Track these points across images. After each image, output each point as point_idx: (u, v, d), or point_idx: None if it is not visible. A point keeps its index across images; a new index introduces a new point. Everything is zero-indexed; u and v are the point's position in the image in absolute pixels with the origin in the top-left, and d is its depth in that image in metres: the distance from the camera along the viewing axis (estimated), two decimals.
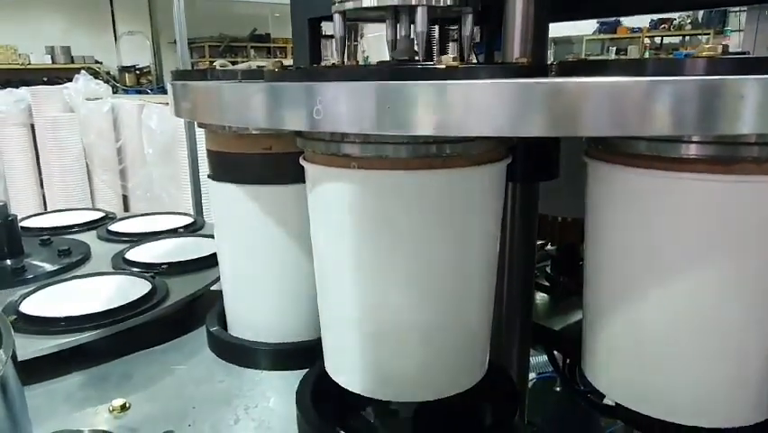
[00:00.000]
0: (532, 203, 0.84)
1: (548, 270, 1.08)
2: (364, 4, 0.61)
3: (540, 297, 1.03)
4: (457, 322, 0.62)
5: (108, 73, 6.97)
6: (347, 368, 0.64)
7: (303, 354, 0.80)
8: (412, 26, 0.62)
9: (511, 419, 0.68)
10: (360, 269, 0.59)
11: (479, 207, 0.59)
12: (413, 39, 0.62)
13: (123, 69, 7.48)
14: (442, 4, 0.59)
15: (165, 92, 6.18)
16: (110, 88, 4.14)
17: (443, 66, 0.47)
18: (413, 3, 0.59)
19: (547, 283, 1.04)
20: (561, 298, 1.02)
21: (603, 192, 0.60)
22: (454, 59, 0.48)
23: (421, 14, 0.59)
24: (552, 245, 1.11)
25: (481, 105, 0.44)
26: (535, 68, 0.55)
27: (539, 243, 1.09)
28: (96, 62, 7.68)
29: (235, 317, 0.87)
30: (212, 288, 1.04)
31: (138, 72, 7.65)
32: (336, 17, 0.64)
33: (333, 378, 0.65)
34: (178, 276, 1.03)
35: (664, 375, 0.59)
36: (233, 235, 0.82)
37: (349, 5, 0.61)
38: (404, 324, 0.60)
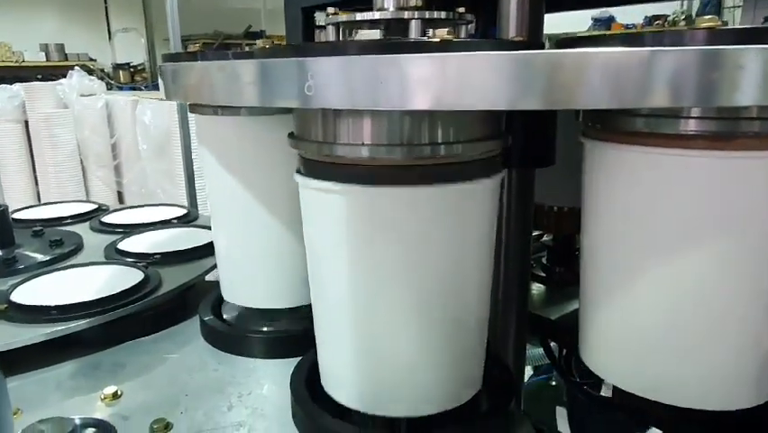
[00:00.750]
0: (528, 189, 0.83)
1: (544, 260, 1.07)
2: (357, 19, 0.61)
3: (536, 288, 1.02)
4: (453, 340, 0.60)
5: (102, 70, 6.91)
6: (345, 385, 0.63)
7: (296, 343, 0.79)
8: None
9: (507, 405, 0.67)
10: (355, 288, 0.57)
11: (473, 222, 0.57)
12: (405, 19, 0.61)
13: (118, 67, 7.42)
14: (435, 17, 0.58)
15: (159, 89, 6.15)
16: (104, 84, 4.12)
17: (438, 39, 0.46)
18: (406, 17, 0.58)
19: (543, 274, 1.04)
20: (557, 288, 1.01)
21: (600, 172, 0.59)
22: (449, 32, 0.47)
23: (415, 28, 0.58)
24: (548, 236, 1.10)
25: (478, 78, 0.43)
26: (532, 44, 0.55)
27: (535, 234, 1.08)
28: (91, 60, 7.64)
29: (227, 278, 0.87)
30: (206, 278, 1.03)
31: (132, 69, 7.59)
32: (330, 29, 0.63)
33: (330, 394, 0.64)
34: (172, 266, 1.01)
35: (662, 358, 0.58)
36: (223, 179, 0.79)
37: (342, 18, 0.61)
38: (399, 343, 0.58)
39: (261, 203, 0.78)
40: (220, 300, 0.90)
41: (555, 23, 0.72)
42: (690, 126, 0.50)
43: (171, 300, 0.93)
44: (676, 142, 0.51)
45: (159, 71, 0.68)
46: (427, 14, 0.58)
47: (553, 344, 0.91)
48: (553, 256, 1.06)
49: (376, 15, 0.60)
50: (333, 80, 0.47)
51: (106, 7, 8.17)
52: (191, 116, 2.69)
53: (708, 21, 0.45)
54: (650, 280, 0.57)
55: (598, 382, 0.67)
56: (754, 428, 0.60)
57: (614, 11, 6.17)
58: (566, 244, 1.04)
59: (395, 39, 0.59)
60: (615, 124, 0.55)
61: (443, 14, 0.59)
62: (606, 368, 0.64)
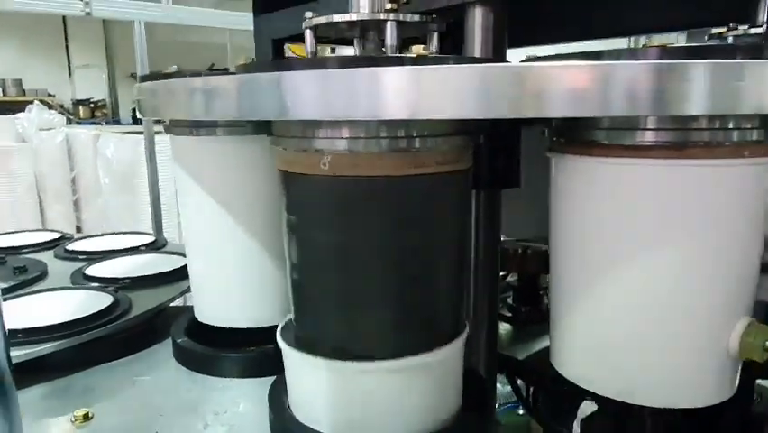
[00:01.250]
0: (495, 210, 0.86)
1: (510, 300, 1.09)
2: (335, 20, 0.63)
3: (503, 327, 1.03)
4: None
5: (62, 106, 6.81)
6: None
7: (272, 362, 0.79)
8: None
9: (483, 409, 0.68)
10: None
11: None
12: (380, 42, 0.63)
13: (78, 103, 7.34)
14: (409, 20, 0.61)
15: (120, 124, 6.09)
16: (64, 118, 4.06)
17: (414, 54, 0.49)
18: (381, 17, 0.60)
19: (509, 314, 1.05)
20: (523, 327, 1.02)
21: (565, 184, 0.62)
22: (424, 48, 0.50)
23: (390, 29, 0.60)
24: (513, 276, 1.12)
25: (452, 88, 0.45)
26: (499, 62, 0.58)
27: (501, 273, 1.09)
28: (49, 95, 7.52)
29: (203, 299, 0.87)
30: (177, 303, 1.02)
31: (93, 105, 7.51)
32: (307, 33, 0.65)
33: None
34: (142, 290, 1.00)
35: (632, 361, 0.60)
36: (200, 199, 0.80)
37: (319, 21, 0.63)
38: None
39: (238, 223, 0.78)
40: (192, 322, 0.89)
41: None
42: (646, 137, 0.53)
43: (142, 324, 0.92)
44: (633, 153, 0.54)
45: (136, 90, 0.69)
46: (401, 17, 0.59)
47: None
48: (518, 296, 1.07)
49: (353, 17, 0.61)
50: (311, 93, 0.49)
51: (66, 44, 8.08)
52: (159, 144, 2.64)
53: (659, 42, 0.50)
54: (615, 286, 0.59)
55: (570, 417, 0.68)
56: (717, 423, 0.63)
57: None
58: (531, 283, 1.06)
59: (373, 54, 0.62)
60: (577, 137, 0.58)
61: (416, 17, 0.61)
62: (579, 375, 0.65)
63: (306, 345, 0.64)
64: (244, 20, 2.91)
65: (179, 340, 0.86)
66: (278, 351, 0.81)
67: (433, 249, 0.61)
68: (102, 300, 0.92)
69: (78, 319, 0.84)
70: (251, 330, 0.84)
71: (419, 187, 0.57)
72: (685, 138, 0.52)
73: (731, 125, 0.52)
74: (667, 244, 0.56)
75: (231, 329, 0.85)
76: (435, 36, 0.62)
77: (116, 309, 0.90)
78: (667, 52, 0.47)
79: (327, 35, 0.66)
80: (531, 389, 0.90)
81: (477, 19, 0.75)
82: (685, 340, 0.59)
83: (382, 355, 0.60)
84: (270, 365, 0.78)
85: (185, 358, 0.85)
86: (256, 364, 0.82)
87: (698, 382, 0.60)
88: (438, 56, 0.52)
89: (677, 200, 0.55)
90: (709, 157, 0.53)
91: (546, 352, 0.70)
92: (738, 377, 0.62)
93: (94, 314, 0.86)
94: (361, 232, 0.58)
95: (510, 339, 0.99)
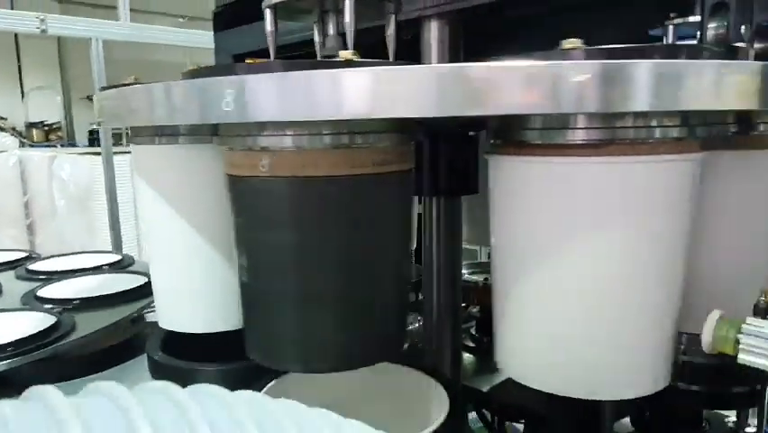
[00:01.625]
0: (455, 216, 0.88)
1: (473, 331, 1.11)
2: None
3: (466, 357, 1.04)
4: None
5: (14, 129, 6.64)
6: None
7: (247, 375, 0.79)
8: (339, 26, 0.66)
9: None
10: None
11: None
12: (340, 38, 0.65)
13: (31, 126, 7.16)
14: None
15: (76, 147, 5.95)
16: (17, 141, 3.98)
17: (342, 59, 0.51)
18: None
19: (473, 344, 1.07)
20: (486, 357, 1.03)
21: (502, 184, 0.64)
22: (354, 53, 0.52)
23: (348, 5, 0.60)
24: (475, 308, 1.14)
25: (403, 88, 0.48)
26: None
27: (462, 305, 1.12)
28: (1, 118, 7.32)
29: (171, 309, 0.85)
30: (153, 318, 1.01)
31: (47, 128, 7.33)
32: (267, 12, 0.66)
33: None
34: (90, 311, 0.99)
35: (572, 356, 0.61)
36: (164, 209, 0.79)
37: None
38: None
39: (205, 227, 0.78)
40: (168, 337, 0.89)
41: None
42: (577, 136, 0.56)
43: (87, 346, 0.91)
44: (563, 151, 0.57)
45: (95, 99, 0.71)
46: None
47: None
48: (481, 326, 1.10)
49: None
50: (248, 96, 0.51)
51: (19, 65, 7.89)
52: (117, 165, 2.58)
53: (572, 42, 0.53)
54: (547, 282, 0.61)
55: None
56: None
57: None
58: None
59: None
60: (511, 138, 0.61)
61: None
62: (521, 372, 0.66)
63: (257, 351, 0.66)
64: (204, 38, 2.91)
65: (155, 356, 0.86)
66: (254, 364, 0.81)
67: (376, 250, 0.63)
68: (43, 322, 0.91)
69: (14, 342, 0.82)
70: (227, 342, 0.84)
71: (359, 187, 0.59)
72: (611, 135, 0.55)
73: (653, 123, 0.55)
74: (598, 240, 0.58)
75: (207, 342, 0.84)
76: (393, 19, 0.63)
77: (55, 332, 0.88)
78: (610, 53, 0.50)
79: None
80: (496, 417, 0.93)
81: (432, 32, 0.78)
82: (623, 333, 0.60)
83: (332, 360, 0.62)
84: (245, 378, 0.78)
85: (161, 372, 0.84)
86: (231, 377, 0.81)
87: (636, 373, 0.62)
88: (366, 60, 0.54)
89: (607, 196, 0.57)
90: (633, 154, 0.55)
91: (510, 383, 0.69)
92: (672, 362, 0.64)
93: (36, 334, 0.85)
94: (305, 233, 0.60)
95: (474, 369, 1.00)
